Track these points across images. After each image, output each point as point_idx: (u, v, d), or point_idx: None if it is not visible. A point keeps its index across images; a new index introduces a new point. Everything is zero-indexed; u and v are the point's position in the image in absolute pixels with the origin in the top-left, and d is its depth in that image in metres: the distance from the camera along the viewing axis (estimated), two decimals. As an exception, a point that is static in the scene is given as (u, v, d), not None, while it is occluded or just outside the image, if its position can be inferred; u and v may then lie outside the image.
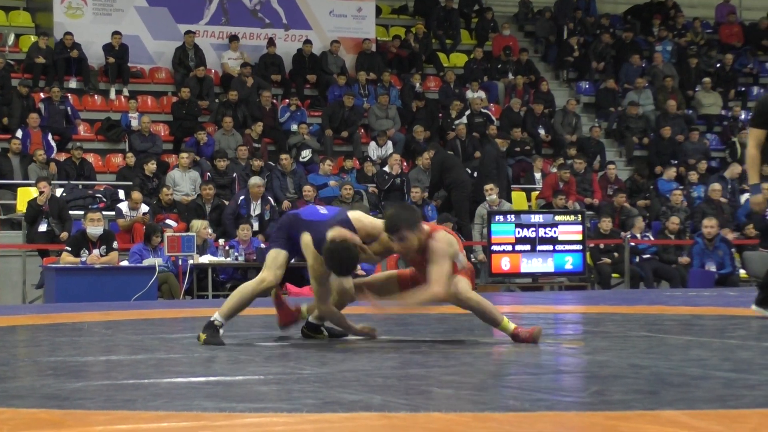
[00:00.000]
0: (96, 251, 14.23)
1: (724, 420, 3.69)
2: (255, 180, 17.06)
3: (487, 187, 17.65)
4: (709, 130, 23.76)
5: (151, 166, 17.78)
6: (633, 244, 17.49)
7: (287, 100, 21.12)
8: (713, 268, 16.62)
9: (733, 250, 17.11)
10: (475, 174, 19.20)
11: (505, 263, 15.59)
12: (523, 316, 9.04)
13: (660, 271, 17.73)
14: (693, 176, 20.64)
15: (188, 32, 21.51)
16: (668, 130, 22.10)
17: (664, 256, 17.90)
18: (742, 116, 23.90)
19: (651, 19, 25.91)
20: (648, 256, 17.81)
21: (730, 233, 17.78)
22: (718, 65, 25.01)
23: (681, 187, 19.93)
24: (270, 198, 17.47)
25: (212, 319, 6.83)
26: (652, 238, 18.14)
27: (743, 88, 24.93)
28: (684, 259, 17.56)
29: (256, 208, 16.85)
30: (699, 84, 24.28)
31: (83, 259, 14.09)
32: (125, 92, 20.98)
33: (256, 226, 16.54)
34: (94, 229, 14.30)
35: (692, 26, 26.08)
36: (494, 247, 15.65)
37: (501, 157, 19.24)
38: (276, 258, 7.06)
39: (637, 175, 20.77)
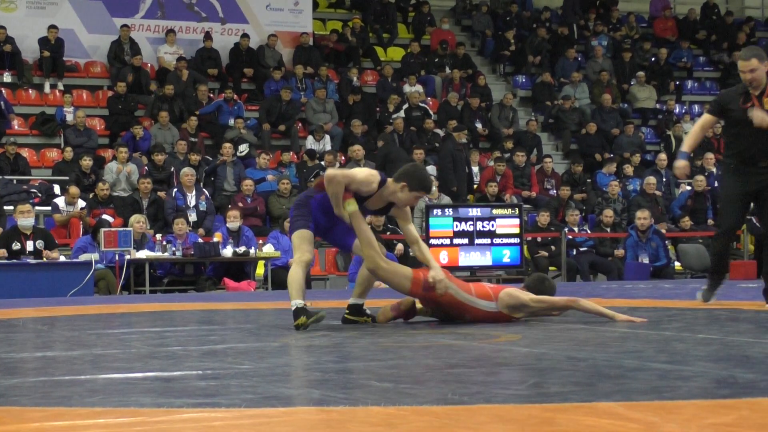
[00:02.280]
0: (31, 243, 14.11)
1: (659, 411, 3.72)
2: (186, 170, 17.03)
3: None
4: (644, 124, 23.97)
5: (86, 162, 17.64)
6: (570, 237, 17.61)
7: (223, 95, 21.04)
8: (646, 260, 16.78)
9: (667, 242, 17.27)
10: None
11: (443, 257, 15.62)
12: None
13: (596, 264, 17.87)
14: (628, 169, 20.83)
15: (124, 26, 21.36)
16: (593, 126, 22.23)
17: (600, 249, 18.05)
18: (677, 110, 24.14)
19: (587, 14, 26.08)
20: (585, 249, 17.94)
21: (663, 226, 17.96)
22: (653, 59, 25.23)
23: (618, 179, 20.09)
24: (205, 189, 17.43)
25: (294, 306, 7.17)
26: (588, 232, 18.28)
27: (677, 82, 25.16)
28: (620, 252, 17.72)
29: (191, 200, 16.79)
30: (634, 78, 24.49)
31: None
32: (60, 86, 20.79)
33: (194, 216, 16.48)
34: (26, 221, 14.17)
35: (627, 20, 26.29)
36: (432, 241, 15.68)
37: (458, 151, 19.31)
38: (302, 236, 7.41)
39: (575, 167, 20.85)
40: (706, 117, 9.22)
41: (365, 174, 7.41)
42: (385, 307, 7.66)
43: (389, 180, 7.43)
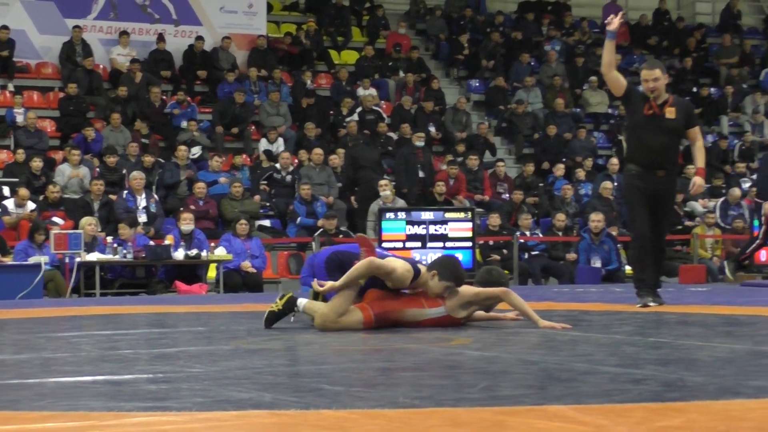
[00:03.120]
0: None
1: (610, 414, 3.74)
2: (135, 173, 16.99)
3: (382, 182, 17.73)
4: (596, 128, 24.10)
5: (36, 163, 17.52)
6: (522, 240, 17.68)
7: (176, 97, 20.96)
8: (599, 264, 16.88)
9: (618, 246, 17.38)
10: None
11: (396, 260, 15.63)
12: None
13: (548, 268, 17.94)
14: (580, 173, 20.94)
15: (76, 27, 21.22)
16: (553, 128, 22.37)
17: (552, 252, 18.13)
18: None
19: (540, 19, 26.19)
20: (536, 252, 18.02)
21: (615, 229, 18.07)
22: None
23: (570, 183, 20.20)
24: (154, 192, 17.38)
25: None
26: (540, 235, 18.35)
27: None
28: (571, 256, 17.81)
29: (141, 202, 16.72)
30: (586, 82, 24.62)
31: None
32: (10, 87, 20.63)
33: (144, 218, 16.41)
34: None
35: (580, 26, 26.42)
36: (385, 244, 15.68)
37: (411, 154, 19.36)
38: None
39: (526, 169, 20.93)
40: (619, 76, 9.75)
41: (402, 271, 7.32)
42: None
43: (423, 270, 7.46)
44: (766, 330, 7.66)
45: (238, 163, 19.41)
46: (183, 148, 18.58)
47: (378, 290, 7.40)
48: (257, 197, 18.39)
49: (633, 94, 9.70)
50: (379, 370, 5.26)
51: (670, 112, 9.61)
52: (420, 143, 19.70)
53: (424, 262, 7.82)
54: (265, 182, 19.00)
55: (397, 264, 7.32)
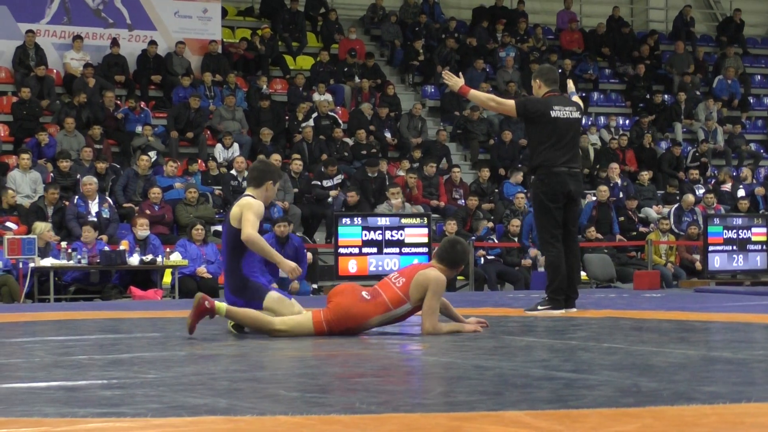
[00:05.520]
0: None
1: (565, 420, 3.76)
2: (86, 179, 16.88)
3: (393, 190, 17.91)
4: (550, 135, 24.16)
5: (-12, 167, 17.40)
6: (477, 246, 17.72)
7: (128, 102, 20.85)
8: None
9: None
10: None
11: (352, 266, 15.64)
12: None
13: (504, 274, 17.99)
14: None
15: (29, 31, 21.07)
16: (508, 134, 22.45)
17: (507, 258, 18.18)
18: (583, 121, 24.39)
19: (495, 25, 26.26)
20: (492, 258, 18.07)
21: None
22: (559, 71, 25.48)
23: (525, 190, 20.26)
24: (108, 198, 17.26)
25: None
26: (496, 241, 18.40)
27: (583, 93, 25.45)
28: (527, 262, 17.87)
29: (93, 207, 16.62)
30: (540, 89, 24.68)
31: None
32: (-37, 91, 20.47)
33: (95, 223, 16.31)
34: None
35: (534, 32, 26.53)
36: (341, 250, 15.69)
37: (366, 179, 19.44)
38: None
39: (482, 174, 20.99)
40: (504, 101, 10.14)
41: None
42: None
43: (253, 192, 7.81)
44: (720, 336, 7.73)
45: (192, 168, 19.31)
46: (145, 158, 18.44)
47: (343, 296, 7.33)
48: (210, 203, 18.34)
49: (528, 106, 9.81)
50: (335, 376, 5.26)
51: None
52: (373, 174, 19.71)
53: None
54: (220, 188, 18.95)
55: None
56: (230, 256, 7.61)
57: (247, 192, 7.87)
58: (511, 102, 9.89)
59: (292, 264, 7.63)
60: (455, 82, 9.80)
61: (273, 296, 7.57)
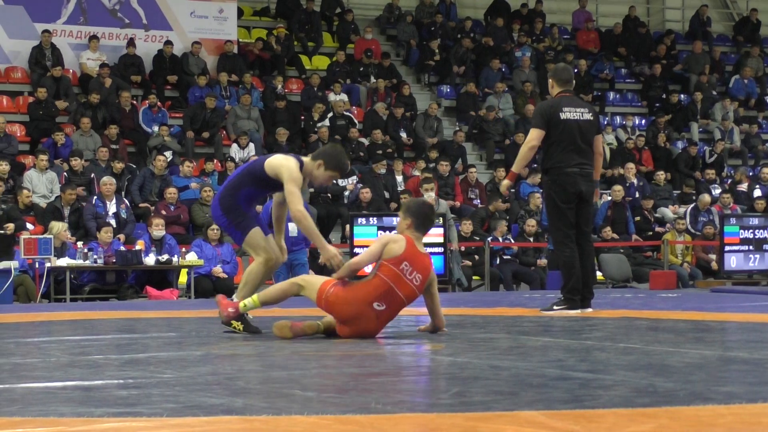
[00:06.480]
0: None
1: (581, 420, 3.75)
2: (105, 179, 16.91)
3: (426, 186, 17.88)
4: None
5: (3, 167, 17.43)
6: (493, 246, 17.70)
7: (146, 102, 20.88)
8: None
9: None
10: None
11: (368, 266, 15.63)
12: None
13: (519, 274, 17.97)
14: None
15: (45, 31, 21.11)
16: (521, 135, 22.38)
17: (523, 258, 18.15)
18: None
19: (511, 25, 26.23)
20: (508, 258, 18.04)
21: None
22: (575, 71, 25.46)
23: (541, 190, 20.21)
24: (125, 198, 17.30)
25: (240, 306, 7.39)
26: (512, 241, 18.38)
27: (599, 93, 25.40)
28: (542, 262, 17.85)
29: (111, 207, 16.66)
30: (557, 89, 24.63)
31: None
32: (-21, 92, 20.52)
33: (114, 224, 16.35)
34: None
35: (550, 32, 26.49)
36: (357, 250, 15.68)
37: (377, 179, 19.48)
38: (256, 236, 7.57)
39: (496, 176, 20.94)
40: (535, 132, 9.83)
41: (288, 165, 7.45)
42: (285, 324, 7.25)
43: (307, 159, 7.57)
44: (736, 336, 7.71)
45: (208, 168, 19.34)
46: (161, 158, 18.47)
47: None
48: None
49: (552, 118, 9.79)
50: (351, 376, 5.26)
51: None
52: (379, 171, 19.71)
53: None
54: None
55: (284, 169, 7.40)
56: (239, 180, 7.58)
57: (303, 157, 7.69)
58: (531, 132, 9.83)
59: (333, 251, 7.36)
60: (505, 185, 10.25)
61: (255, 232, 7.53)
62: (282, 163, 7.43)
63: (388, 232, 15.89)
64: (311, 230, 7.37)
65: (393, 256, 7.07)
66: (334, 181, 19.00)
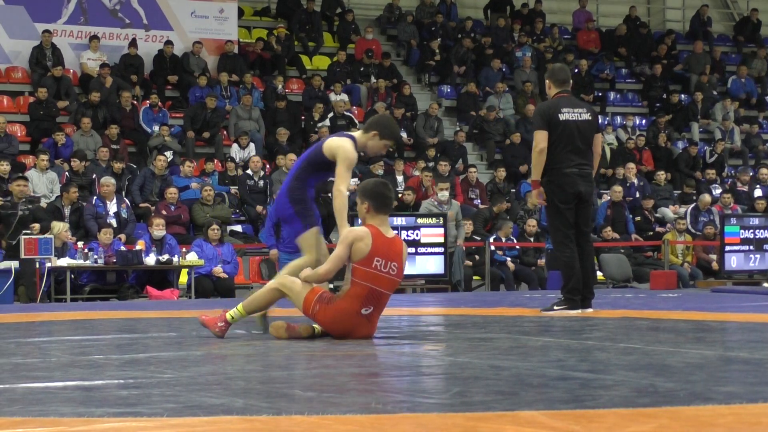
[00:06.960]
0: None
1: (581, 420, 3.75)
2: (104, 179, 16.91)
3: (442, 185, 17.88)
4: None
5: (4, 167, 17.43)
6: (493, 247, 17.70)
7: (147, 101, 20.88)
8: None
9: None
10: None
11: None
12: (384, 318, 9.06)
13: (519, 274, 17.96)
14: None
15: (46, 31, 21.12)
16: (518, 136, 22.36)
17: (523, 258, 18.15)
18: (599, 121, 24.33)
19: (511, 25, 26.23)
20: (508, 258, 18.03)
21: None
22: (576, 71, 25.45)
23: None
24: (126, 198, 17.30)
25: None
26: (515, 241, 18.37)
27: (600, 93, 25.40)
28: (542, 262, 17.84)
29: (111, 207, 16.66)
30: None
31: None
32: (-21, 92, 20.53)
33: (115, 224, 16.35)
34: None
35: (551, 32, 26.48)
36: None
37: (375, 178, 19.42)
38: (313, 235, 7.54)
39: (497, 176, 20.94)
40: (541, 133, 9.79)
41: (345, 149, 7.42)
42: (281, 325, 7.24)
43: (358, 134, 7.59)
44: (737, 336, 7.71)
45: (209, 168, 19.34)
46: (161, 158, 18.47)
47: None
48: (227, 202, 18.37)
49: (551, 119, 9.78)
50: (351, 376, 5.26)
51: None
52: (379, 172, 19.70)
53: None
54: (236, 187, 18.97)
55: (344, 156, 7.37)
56: (302, 171, 7.54)
57: (354, 131, 7.74)
58: (536, 135, 9.80)
59: None
60: (534, 195, 10.00)
61: (314, 231, 7.49)
62: (339, 144, 7.46)
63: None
64: (341, 211, 7.33)
65: (362, 257, 6.96)
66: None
